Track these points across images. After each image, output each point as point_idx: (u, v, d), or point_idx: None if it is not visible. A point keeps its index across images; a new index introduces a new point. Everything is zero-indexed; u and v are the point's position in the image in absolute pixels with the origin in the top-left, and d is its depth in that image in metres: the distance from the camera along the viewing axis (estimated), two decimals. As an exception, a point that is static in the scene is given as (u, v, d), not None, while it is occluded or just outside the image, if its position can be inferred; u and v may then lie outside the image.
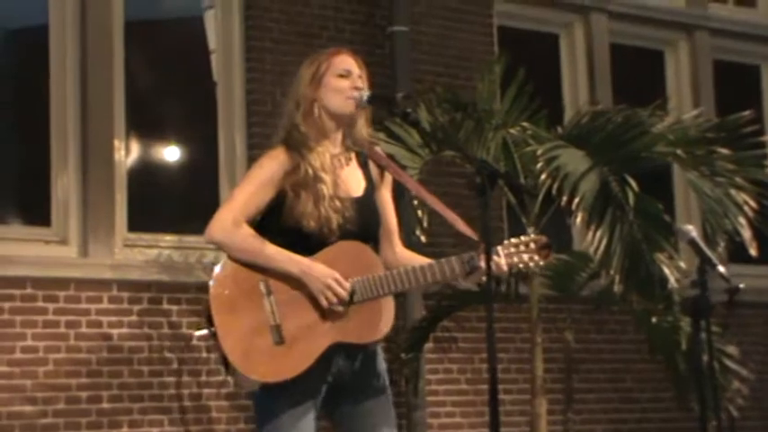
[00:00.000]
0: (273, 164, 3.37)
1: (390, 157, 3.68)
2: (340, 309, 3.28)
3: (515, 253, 3.35)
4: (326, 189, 3.32)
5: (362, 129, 3.45)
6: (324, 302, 3.26)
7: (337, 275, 3.27)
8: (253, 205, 3.35)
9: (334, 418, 3.40)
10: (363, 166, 3.46)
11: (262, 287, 3.28)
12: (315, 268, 3.27)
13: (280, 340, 3.25)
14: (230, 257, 3.34)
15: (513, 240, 3.37)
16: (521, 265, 3.37)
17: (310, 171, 3.33)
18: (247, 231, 3.33)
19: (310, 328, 3.27)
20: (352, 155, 3.45)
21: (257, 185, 3.36)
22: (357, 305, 3.29)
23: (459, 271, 3.32)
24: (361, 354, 3.35)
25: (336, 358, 3.31)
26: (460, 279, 3.35)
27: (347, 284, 3.27)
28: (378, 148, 3.54)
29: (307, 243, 3.30)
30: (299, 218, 3.30)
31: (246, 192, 3.37)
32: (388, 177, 3.49)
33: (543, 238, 3.39)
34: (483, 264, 3.20)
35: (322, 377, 3.31)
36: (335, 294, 3.26)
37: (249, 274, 3.30)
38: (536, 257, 3.36)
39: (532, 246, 3.36)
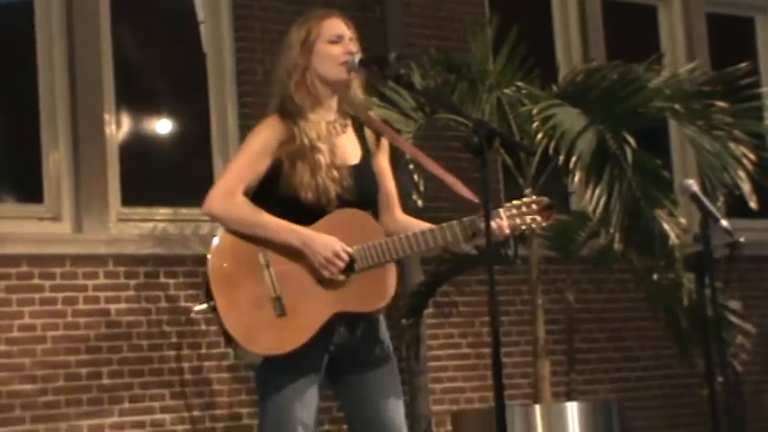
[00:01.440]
0: (268, 133, 3.33)
1: (385, 122, 3.64)
2: (341, 278, 3.25)
3: (517, 215, 3.33)
4: (323, 158, 3.28)
5: (357, 92, 3.40)
6: (326, 273, 3.23)
7: (338, 245, 3.23)
8: (249, 176, 3.31)
9: (339, 389, 3.38)
10: (359, 132, 3.42)
11: (261, 259, 3.25)
12: (316, 239, 3.23)
13: (281, 312, 3.22)
14: (228, 230, 3.30)
15: (515, 202, 3.35)
16: (523, 227, 3.35)
17: (306, 141, 3.29)
18: (245, 203, 3.29)
19: (311, 299, 3.24)
20: (348, 121, 3.41)
21: (252, 156, 3.32)
22: (358, 273, 3.25)
23: (461, 235, 3.28)
24: (363, 322, 3.32)
25: (338, 328, 3.28)
26: (462, 244, 3.32)
27: (345, 255, 3.23)
28: (372, 114, 3.49)
29: (305, 213, 3.27)
30: (296, 188, 3.27)
31: (242, 163, 3.34)
32: (385, 143, 3.45)
33: (545, 199, 3.36)
34: (484, 226, 3.17)
35: (324, 348, 3.28)
36: (335, 264, 3.22)
37: (247, 247, 3.26)
38: (538, 218, 3.33)
39: (534, 207, 3.34)
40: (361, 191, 3.33)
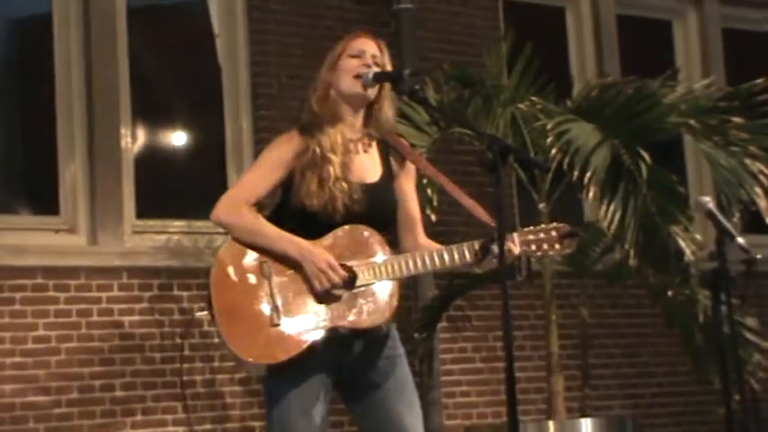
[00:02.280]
0: (284, 145, 3.35)
1: (412, 145, 3.63)
2: (340, 293, 3.24)
3: (533, 240, 3.29)
4: (333, 169, 3.29)
5: (388, 112, 3.40)
6: (317, 286, 3.23)
7: (332, 260, 3.23)
8: (261, 187, 3.33)
9: (355, 410, 3.37)
10: (384, 154, 3.42)
11: (261, 269, 3.26)
12: (313, 252, 3.24)
13: (277, 322, 3.23)
14: (234, 239, 3.32)
15: (532, 228, 3.31)
16: (538, 253, 3.31)
17: (318, 151, 3.30)
18: (250, 213, 3.31)
19: (309, 312, 3.24)
20: (373, 142, 3.41)
21: (266, 168, 3.35)
22: (360, 290, 3.25)
23: (469, 258, 3.27)
24: (364, 339, 3.30)
25: (338, 343, 3.27)
26: (474, 266, 3.31)
27: (341, 271, 3.23)
28: (401, 138, 3.50)
29: (313, 223, 3.28)
30: (303, 197, 3.28)
31: (254, 174, 3.37)
32: (411, 168, 3.45)
33: (566, 227, 3.31)
34: (496, 249, 3.15)
35: (330, 360, 3.27)
36: (329, 279, 3.23)
37: (250, 256, 3.28)
38: (557, 246, 3.29)
39: (554, 234, 3.30)
40: (373, 207, 3.32)
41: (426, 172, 3.52)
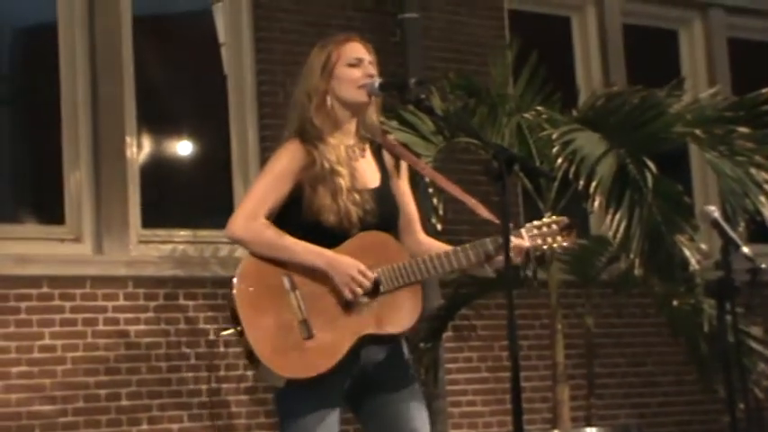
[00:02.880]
0: (290, 157, 3.34)
1: (404, 145, 3.64)
2: (366, 300, 3.24)
3: (539, 235, 3.34)
4: (344, 182, 3.29)
5: (373, 116, 3.41)
6: (349, 295, 3.22)
7: (362, 266, 3.23)
8: (271, 200, 3.32)
9: (364, 413, 3.36)
10: (377, 156, 3.42)
11: (286, 282, 3.25)
12: (340, 260, 3.23)
13: (309, 335, 3.21)
14: (252, 254, 3.30)
15: (536, 222, 3.36)
16: (544, 247, 3.35)
17: (326, 165, 3.30)
18: (268, 226, 3.30)
19: (338, 322, 3.24)
20: (366, 145, 3.41)
21: (274, 180, 3.33)
22: (383, 295, 3.25)
23: (485, 255, 3.29)
24: (387, 345, 3.31)
25: (364, 351, 3.27)
26: (486, 264, 3.32)
27: (371, 275, 3.23)
28: (391, 137, 3.50)
29: (327, 237, 3.27)
30: (317, 212, 3.27)
31: (263, 187, 3.35)
32: (404, 166, 3.46)
33: (565, 219, 3.37)
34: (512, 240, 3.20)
35: (348, 372, 3.27)
36: (360, 285, 3.22)
37: (272, 270, 3.26)
38: (559, 239, 3.34)
39: (555, 227, 3.35)
40: (383, 213, 3.33)
41: (422, 171, 3.52)
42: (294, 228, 3.30)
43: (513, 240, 3.23)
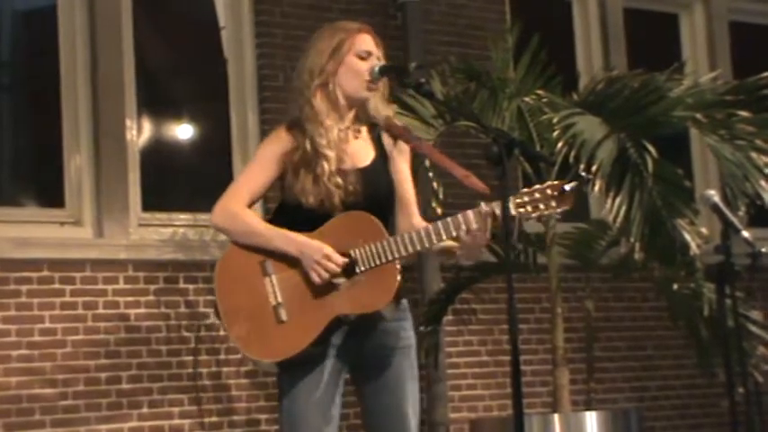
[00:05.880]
0: (274, 144, 3.38)
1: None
2: (342, 281, 3.24)
3: (529, 202, 3.19)
4: (328, 165, 3.30)
5: (379, 106, 3.40)
6: (316, 279, 3.24)
7: (327, 250, 3.23)
8: (253, 187, 3.36)
9: (360, 395, 3.39)
10: (375, 137, 3.42)
11: (263, 268, 3.29)
12: (308, 245, 3.26)
13: (282, 319, 3.24)
14: (233, 241, 3.35)
15: (526, 189, 3.21)
16: (534, 214, 3.20)
17: (311, 148, 3.30)
18: (246, 214, 3.34)
19: (312, 304, 3.26)
20: (363, 128, 3.41)
21: (258, 168, 3.38)
22: (360, 276, 3.25)
23: (464, 225, 3.20)
24: (369, 324, 3.30)
25: (347, 331, 3.28)
26: (465, 237, 3.23)
27: (338, 258, 3.23)
28: (391, 118, 3.49)
29: (310, 219, 3.29)
30: (298, 195, 3.30)
31: (247, 175, 3.41)
32: (405, 147, 3.44)
33: (562, 183, 3.21)
34: (484, 209, 3.15)
35: (334, 349, 3.29)
36: (326, 269, 3.23)
37: (250, 256, 3.30)
38: (553, 203, 3.17)
39: (549, 192, 3.19)
40: (369, 194, 3.33)
41: (419, 149, 3.49)
42: (281, 213, 3.35)
43: (484, 207, 3.18)
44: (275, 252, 3.28)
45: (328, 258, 3.23)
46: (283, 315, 3.25)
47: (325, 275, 3.24)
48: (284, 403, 3.29)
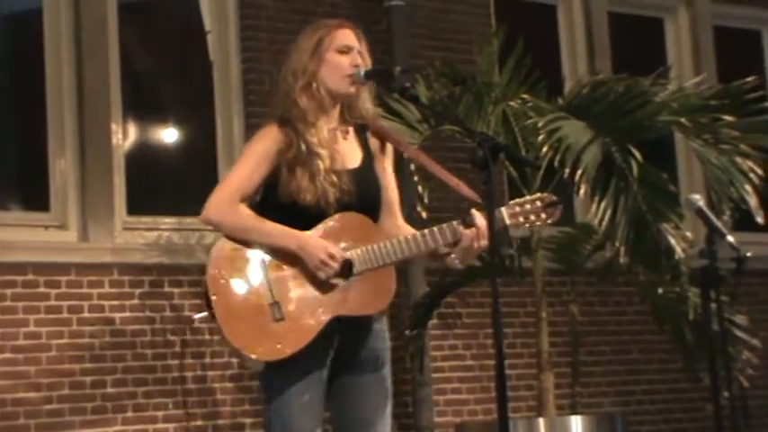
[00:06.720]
0: (267, 141, 3.35)
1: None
2: (340, 281, 3.25)
3: (521, 212, 3.28)
4: (322, 164, 3.29)
5: (365, 104, 3.41)
6: (321, 275, 3.23)
7: (331, 249, 3.23)
8: (246, 184, 3.34)
9: (331, 391, 3.36)
10: (362, 138, 3.42)
11: (258, 265, 3.26)
12: (310, 242, 3.24)
13: (279, 317, 3.23)
14: (226, 236, 3.32)
15: (518, 200, 3.31)
16: (526, 225, 3.30)
17: (305, 147, 3.30)
18: (242, 210, 3.31)
19: (310, 303, 3.25)
20: (350, 128, 3.42)
21: (251, 164, 3.35)
22: (358, 277, 3.25)
23: (459, 233, 3.25)
24: (361, 326, 3.31)
25: (338, 332, 3.28)
26: (462, 241, 3.27)
27: (339, 257, 3.23)
28: (378, 121, 3.50)
29: (304, 218, 3.28)
30: (294, 193, 3.28)
31: (240, 171, 3.36)
32: (390, 149, 3.46)
33: (550, 196, 3.31)
34: (479, 222, 3.18)
35: (325, 351, 3.28)
36: (330, 268, 3.23)
37: (244, 253, 3.28)
38: (543, 216, 3.28)
39: (539, 204, 3.30)
40: (362, 194, 3.34)
41: (407, 152, 3.52)
42: (272, 210, 3.31)
43: (479, 220, 3.21)
44: (271, 248, 3.26)
45: (332, 257, 3.23)
46: (280, 313, 3.23)
47: (330, 272, 3.23)
48: (275, 405, 3.27)
